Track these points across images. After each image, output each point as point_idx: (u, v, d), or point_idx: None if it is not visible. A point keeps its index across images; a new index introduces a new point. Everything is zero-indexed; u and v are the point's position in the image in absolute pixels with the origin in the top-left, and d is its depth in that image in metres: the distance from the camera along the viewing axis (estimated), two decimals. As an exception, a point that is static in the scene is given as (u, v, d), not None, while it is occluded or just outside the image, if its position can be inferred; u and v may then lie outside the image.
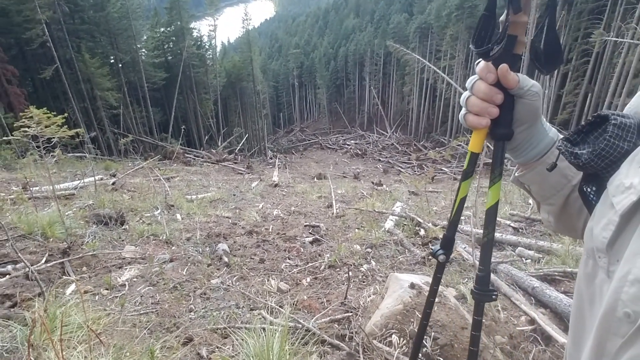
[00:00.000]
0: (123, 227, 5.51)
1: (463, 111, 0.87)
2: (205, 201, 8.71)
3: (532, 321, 3.15)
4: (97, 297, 3.44)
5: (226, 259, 4.57)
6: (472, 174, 0.96)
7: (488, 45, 0.82)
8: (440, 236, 5.16)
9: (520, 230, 5.96)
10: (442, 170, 24.14)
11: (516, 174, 0.92)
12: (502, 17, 0.81)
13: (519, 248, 4.84)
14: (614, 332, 0.60)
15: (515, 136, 0.85)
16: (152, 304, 3.35)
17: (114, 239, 4.94)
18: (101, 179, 9.77)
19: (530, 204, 7.82)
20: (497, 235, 5.42)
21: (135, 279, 3.85)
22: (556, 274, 3.93)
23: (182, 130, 24.91)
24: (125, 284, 3.71)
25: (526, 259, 4.52)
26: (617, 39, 22.81)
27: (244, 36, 36.76)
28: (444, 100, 39.36)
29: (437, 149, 32.87)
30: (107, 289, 3.58)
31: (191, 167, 18.88)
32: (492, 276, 3.88)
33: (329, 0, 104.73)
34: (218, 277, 4.11)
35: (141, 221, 6.02)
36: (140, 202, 7.38)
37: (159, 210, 6.77)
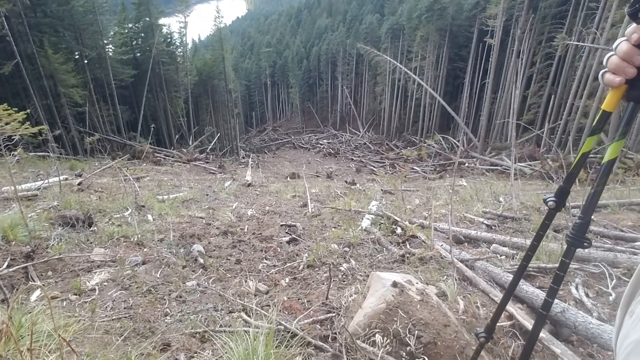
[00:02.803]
0: (91, 229, 5.28)
1: (603, 70, 0.90)
2: (178, 201, 8.49)
3: (510, 316, 3.18)
4: (65, 302, 3.26)
5: (201, 261, 4.45)
6: (599, 131, 1.00)
7: (636, 6, 0.82)
8: (418, 234, 5.20)
9: (493, 227, 6.06)
10: (413, 169, 24.47)
11: None
12: None
13: (494, 245, 4.91)
14: None
15: None
16: (125, 308, 3.20)
17: (82, 242, 4.72)
18: (66, 179, 9.38)
19: (501, 202, 7.98)
20: (472, 232, 5.50)
21: (105, 283, 3.68)
22: (531, 269, 4.00)
23: (152, 129, 24.27)
24: (95, 289, 3.54)
25: (501, 256, 4.59)
26: (578, 43, 23.67)
27: (216, 34, 36.19)
28: (415, 100, 39.92)
29: (408, 148, 33.35)
30: (76, 294, 3.41)
31: (161, 167, 18.45)
32: (470, 272, 3.91)
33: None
34: (194, 279, 3.98)
35: (110, 222, 5.80)
36: (109, 203, 7.12)
37: (129, 211, 6.54)
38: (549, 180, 11.92)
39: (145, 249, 4.75)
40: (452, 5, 35.36)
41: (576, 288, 3.59)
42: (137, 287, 3.60)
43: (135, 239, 4.98)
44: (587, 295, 3.50)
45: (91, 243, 4.76)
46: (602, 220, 5.89)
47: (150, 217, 6.46)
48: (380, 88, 46.72)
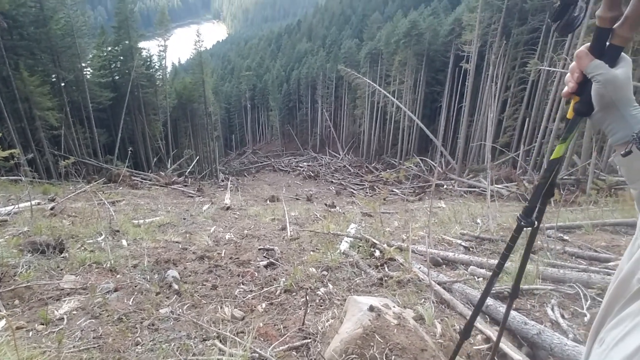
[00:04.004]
0: (62, 255, 5.11)
1: None
2: (154, 225, 8.33)
3: (487, 339, 3.19)
4: (31, 333, 3.13)
5: (176, 287, 4.34)
6: (565, 139, 1.14)
7: (552, 22, 1.03)
8: (397, 257, 5.20)
9: (471, 249, 6.12)
10: (393, 191, 24.63)
11: (612, 154, 1.01)
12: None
13: (471, 267, 4.94)
14: (622, 294, 0.70)
15: (593, 115, 0.96)
16: (93, 338, 3.08)
17: (52, 268, 4.56)
18: (38, 203, 9.11)
19: (478, 223, 8.08)
20: (450, 254, 5.54)
21: (75, 312, 3.55)
22: (507, 291, 4.03)
23: (129, 152, 23.92)
24: (63, 318, 3.41)
25: (478, 278, 4.62)
26: (549, 69, 24.63)
27: (196, 57, 36.36)
28: (394, 123, 40.63)
29: (388, 170, 33.69)
30: (43, 324, 3.27)
31: (138, 191, 18.12)
32: (448, 295, 3.92)
33: (281, 24, 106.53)
34: (167, 306, 3.88)
35: (83, 248, 5.63)
36: (82, 228, 6.93)
37: (102, 236, 6.37)
38: (525, 202, 12.16)
39: (118, 276, 4.62)
40: (428, 31, 36.53)
41: (552, 309, 3.63)
42: (107, 316, 3.48)
43: (108, 265, 4.84)
44: (562, 316, 3.54)
45: (61, 270, 4.60)
46: (576, 241, 6.01)
47: (124, 242, 6.31)
48: (359, 111, 47.44)
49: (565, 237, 6.26)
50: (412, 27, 36.21)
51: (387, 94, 35.71)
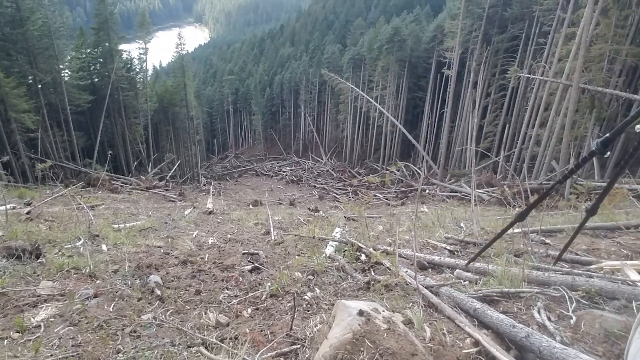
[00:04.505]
0: (39, 261, 4.94)
1: None
2: (135, 230, 8.15)
3: (476, 343, 3.17)
4: (5, 341, 2.99)
5: (158, 292, 4.22)
6: None
7: None
8: (383, 260, 5.18)
9: (455, 252, 6.14)
10: (376, 196, 24.74)
11: None
12: None
13: (457, 270, 4.94)
14: None
15: None
16: (72, 346, 2.96)
17: (28, 274, 4.40)
18: (14, 207, 8.85)
19: (462, 227, 8.14)
20: (435, 258, 5.54)
21: (52, 319, 3.41)
22: (494, 294, 4.03)
23: (109, 155, 23.46)
24: (40, 325, 3.27)
25: (464, 281, 4.62)
26: (529, 76, 25.17)
27: (178, 60, 35.98)
28: (377, 128, 40.90)
29: (371, 175, 33.84)
30: (19, 332, 3.13)
31: (118, 195, 17.78)
32: (435, 299, 3.90)
33: (264, 28, 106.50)
34: (150, 312, 3.76)
35: (61, 253, 5.45)
36: (60, 233, 6.73)
37: (81, 241, 6.19)
38: (507, 206, 12.33)
39: (97, 281, 4.48)
40: (411, 38, 36.96)
41: (538, 312, 3.63)
42: (87, 323, 3.35)
43: (87, 271, 4.69)
44: (549, 319, 3.54)
45: (38, 276, 4.44)
46: (558, 245, 6.08)
47: (104, 247, 6.14)
48: (342, 116, 47.66)
49: (547, 241, 6.33)
50: (395, 34, 36.61)
51: (370, 99, 35.97)
